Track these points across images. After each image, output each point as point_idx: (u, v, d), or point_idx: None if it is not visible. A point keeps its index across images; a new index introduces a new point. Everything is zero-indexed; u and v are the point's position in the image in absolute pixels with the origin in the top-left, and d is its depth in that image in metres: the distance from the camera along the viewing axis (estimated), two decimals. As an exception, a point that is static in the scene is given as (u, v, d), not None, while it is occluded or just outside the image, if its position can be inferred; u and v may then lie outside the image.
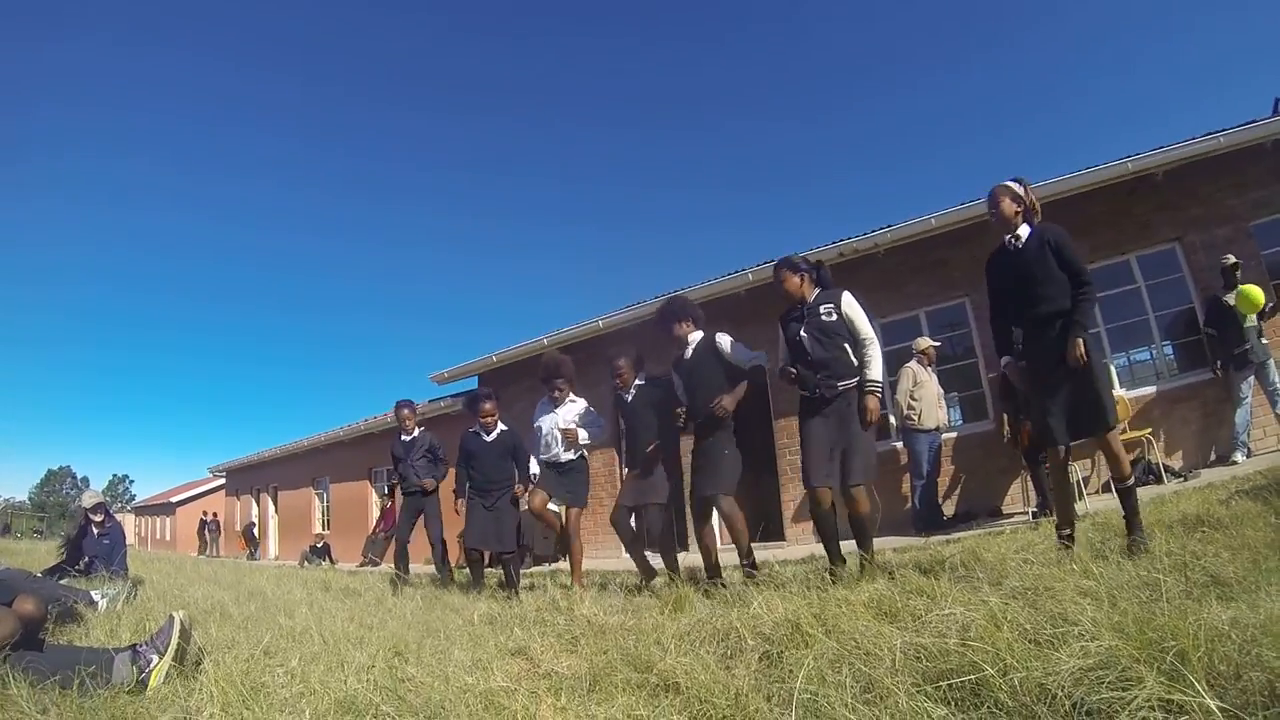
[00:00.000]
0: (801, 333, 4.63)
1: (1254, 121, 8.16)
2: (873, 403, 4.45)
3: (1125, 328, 8.82)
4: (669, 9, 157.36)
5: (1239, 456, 7.51)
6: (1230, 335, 7.59)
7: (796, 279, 4.76)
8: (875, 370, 4.51)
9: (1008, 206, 4.31)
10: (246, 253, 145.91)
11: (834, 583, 4.04)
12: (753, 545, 5.19)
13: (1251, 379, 7.54)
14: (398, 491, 8.51)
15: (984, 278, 4.55)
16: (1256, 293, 7.24)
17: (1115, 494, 4.21)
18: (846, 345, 4.57)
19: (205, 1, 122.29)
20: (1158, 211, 8.64)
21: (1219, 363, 7.79)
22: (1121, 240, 8.76)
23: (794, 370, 4.64)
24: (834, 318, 4.59)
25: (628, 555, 5.90)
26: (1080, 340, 4.06)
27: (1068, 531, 4.19)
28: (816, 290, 4.79)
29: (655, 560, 5.98)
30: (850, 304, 4.65)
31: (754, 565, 4.94)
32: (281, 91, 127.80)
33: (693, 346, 5.30)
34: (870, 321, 4.74)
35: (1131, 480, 4.14)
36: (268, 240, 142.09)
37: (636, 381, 5.95)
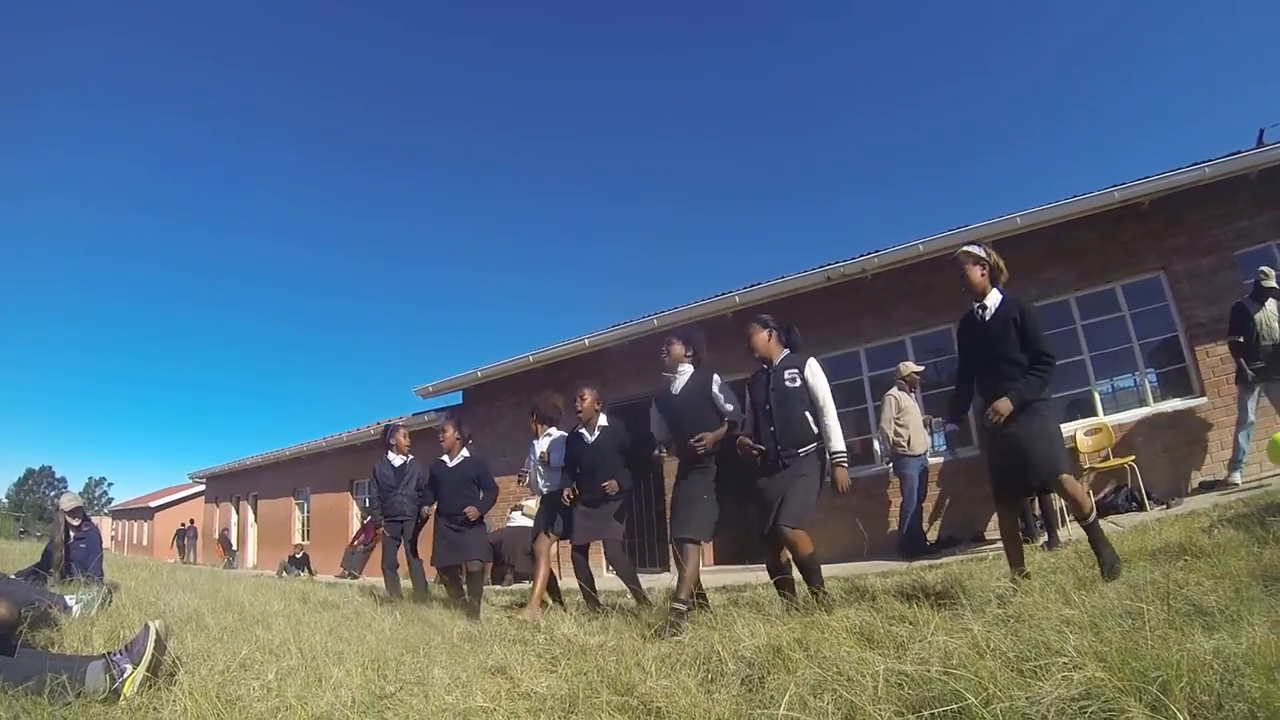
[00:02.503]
0: (769, 401, 4.57)
1: (1238, 152, 8.26)
2: (842, 475, 4.46)
3: (1110, 355, 8.87)
4: (661, 25, 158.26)
5: (1237, 477, 7.44)
6: (1250, 349, 7.42)
7: (765, 334, 4.72)
8: (838, 440, 4.48)
9: (974, 274, 4.29)
10: (234, 261, 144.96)
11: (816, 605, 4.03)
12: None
13: (1258, 400, 7.46)
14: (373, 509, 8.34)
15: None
16: None
17: (1083, 529, 4.22)
18: (807, 413, 4.52)
19: (212, 11, 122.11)
20: (1143, 240, 8.72)
21: (1252, 367, 7.46)
22: (1108, 268, 8.82)
23: (758, 449, 4.54)
24: (797, 384, 4.55)
25: (580, 586, 5.88)
26: (1006, 402, 4.04)
27: (1023, 570, 4.19)
28: (784, 352, 4.74)
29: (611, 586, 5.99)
30: (814, 371, 4.59)
31: (685, 608, 4.59)
32: (270, 100, 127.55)
33: (684, 380, 5.15)
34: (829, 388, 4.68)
35: (1093, 516, 4.16)
36: (255, 249, 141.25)
37: (600, 422, 6.01)
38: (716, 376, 5.11)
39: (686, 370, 5.17)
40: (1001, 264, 4.35)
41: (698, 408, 5.01)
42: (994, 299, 4.28)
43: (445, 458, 6.91)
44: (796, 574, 4.51)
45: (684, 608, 4.51)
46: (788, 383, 4.55)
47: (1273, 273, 7.49)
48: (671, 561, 5.30)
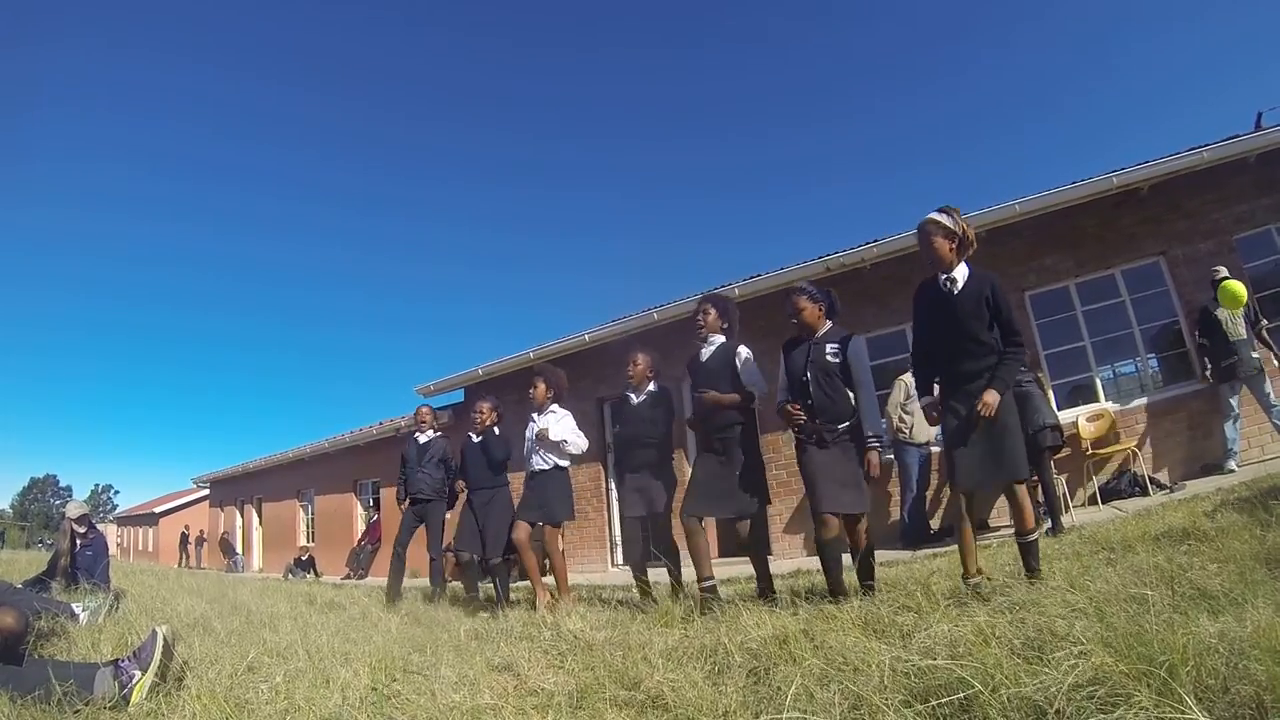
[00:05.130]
0: (807, 373, 4.49)
1: (1236, 136, 8.25)
2: (874, 458, 4.34)
3: (1111, 341, 8.87)
4: (655, 21, 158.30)
5: (1232, 464, 7.57)
6: (1218, 347, 7.64)
7: (815, 308, 4.61)
8: (875, 421, 4.41)
9: (942, 245, 4.00)
10: (234, 263, 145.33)
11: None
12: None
13: (1240, 391, 7.61)
14: (384, 501, 8.23)
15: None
16: (1238, 287, 7.16)
17: (1017, 546, 4.09)
18: (847, 389, 4.47)
19: (206, 10, 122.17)
20: (1142, 225, 8.71)
21: (1208, 369, 7.80)
22: (1107, 254, 8.82)
23: (801, 417, 4.45)
24: (839, 359, 4.47)
25: (635, 575, 5.74)
26: (996, 395, 3.82)
27: (976, 580, 3.89)
28: (827, 324, 4.65)
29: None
30: (857, 351, 4.50)
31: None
32: (268, 99, 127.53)
33: (713, 349, 5.10)
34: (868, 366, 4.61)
35: (1034, 535, 4.01)
36: (255, 250, 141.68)
37: (649, 387, 5.77)
38: (743, 348, 5.05)
39: (717, 340, 5.13)
40: (971, 234, 4.05)
41: (722, 377, 4.96)
42: (962, 272, 4.02)
43: (472, 434, 6.86)
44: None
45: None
46: (829, 357, 4.48)
47: (1224, 268, 7.77)
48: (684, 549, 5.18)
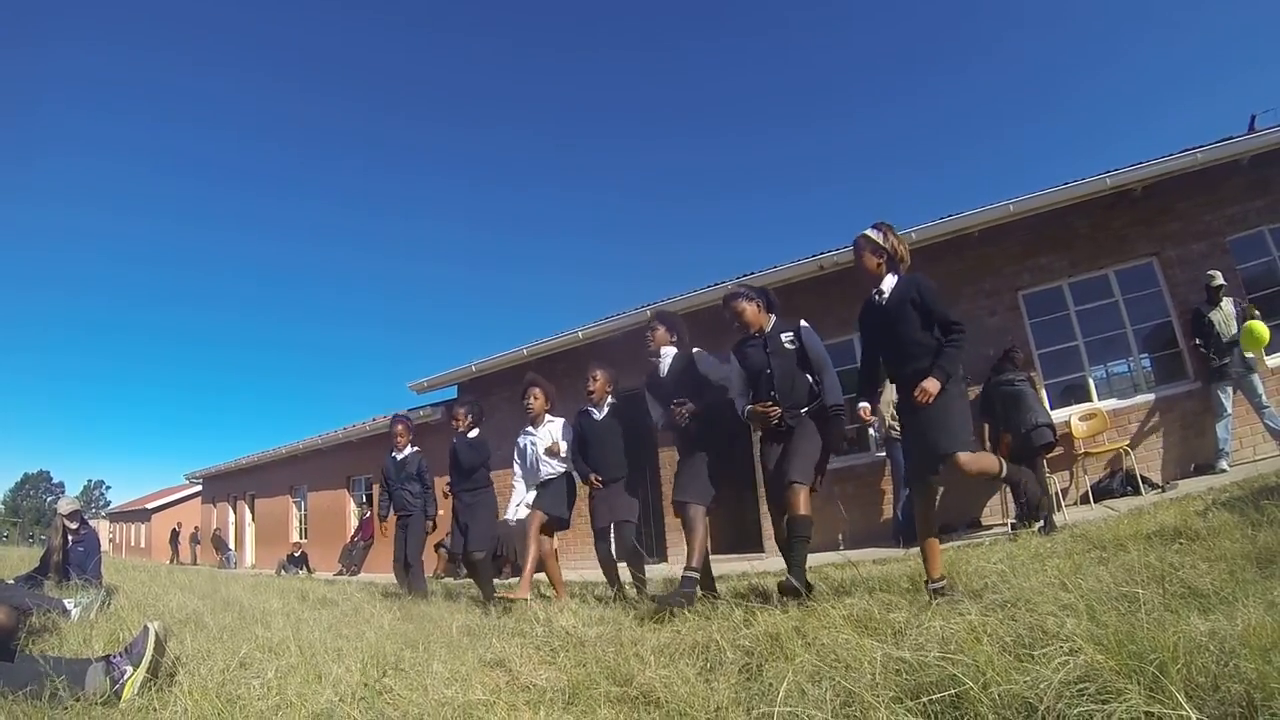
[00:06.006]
0: (770, 365, 4.55)
1: (1230, 138, 8.29)
2: (841, 428, 4.49)
3: (1104, 341, 8.91)
4: (648, 20, 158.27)
5: (1224, 464, 7.62)
6: (1211, 348, 7.70)
7: (753, 307, 4.72)
8: (837, 394, 4.50)
9: (869, 261, 4.23)
10: (228, 261, 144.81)
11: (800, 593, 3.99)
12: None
13: (1232, 392, 7.63)
14: (377, 497, 8.31)
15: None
16: (1262, 331, 7.07)
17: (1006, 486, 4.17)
18: (808, 374, 4.55)
19: (207, 11, 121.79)
20: (1136, 226, 8.74)
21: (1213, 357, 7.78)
22: (1100, 254, 8.84)
23: (776, 412, 4.45)
24: (795, 345, 4.56)
25: (605, 571, 5.89)
26: (935, 382, 3.83)
27: (940, 583, 3.86)
28: (772, 319, 4.75)
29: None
30: (810, 333, 4.63)
31: (697, 576, 4.62)
32: (263, 98, 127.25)
33: (668, 362, 5.24)
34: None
35: (1003, 474, 4.13)
36: (250, 248, 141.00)
37: (609, 400, 5.91)
38: (697, 349, 5.22)
39: (670, 352, 5.27)
40: (903, 251, 4.27)
41: (686, 385, 5.04)
42: (889, 282, 4.20)
43: (456, 438, 7.00)
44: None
45: (695, 575, 4.54)
46: (787, 345, 4.57)
47: (1219, 274, 7.82)
48: (670, 549, 5.25)
